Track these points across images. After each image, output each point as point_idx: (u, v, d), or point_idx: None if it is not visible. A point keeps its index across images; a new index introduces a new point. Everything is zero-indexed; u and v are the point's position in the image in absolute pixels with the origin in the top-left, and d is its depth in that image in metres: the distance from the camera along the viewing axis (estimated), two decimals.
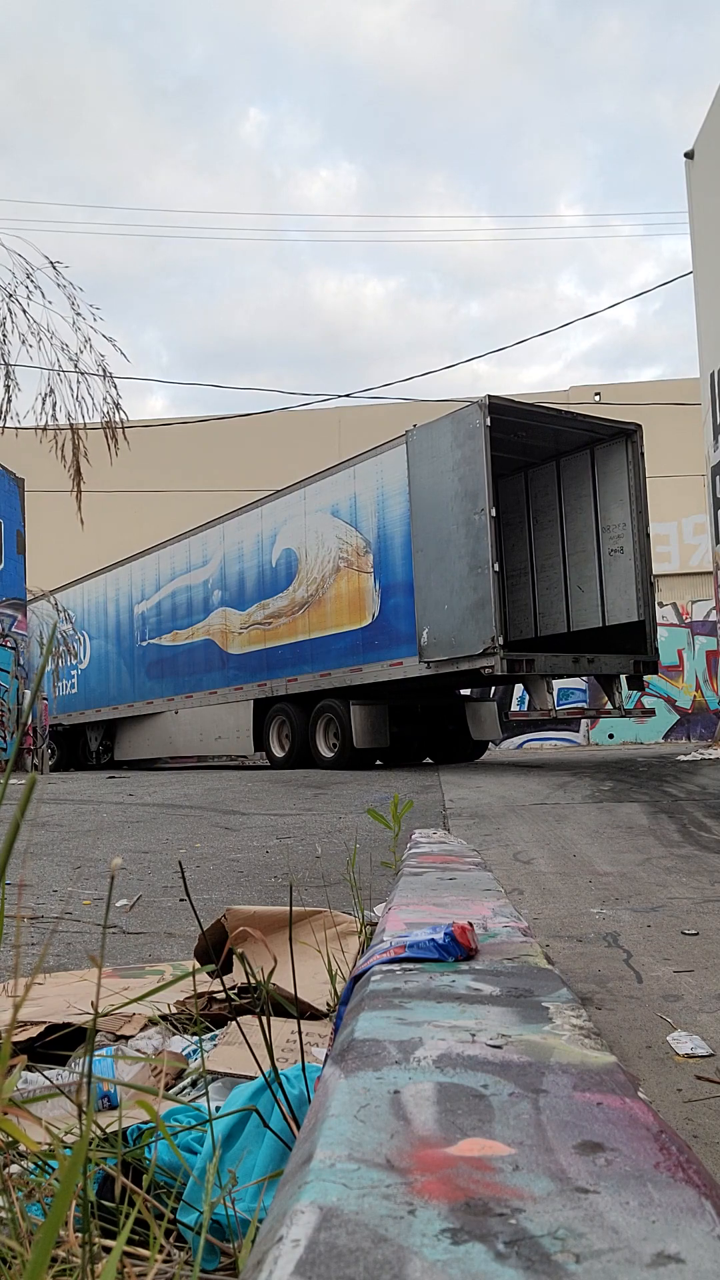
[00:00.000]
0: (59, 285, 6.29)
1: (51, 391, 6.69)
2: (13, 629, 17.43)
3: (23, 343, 6.43)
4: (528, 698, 21.76)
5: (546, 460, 13.17)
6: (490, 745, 15.08)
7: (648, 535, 12.06)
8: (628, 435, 12.06)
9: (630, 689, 12.29)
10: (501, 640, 10.27)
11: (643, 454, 12.02)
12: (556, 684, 18.71)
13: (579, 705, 22.40)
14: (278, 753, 13.82)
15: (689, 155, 13.26)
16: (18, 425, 6.90)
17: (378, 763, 13.24)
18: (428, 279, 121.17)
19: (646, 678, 12.16)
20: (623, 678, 11.88)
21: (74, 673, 19.39)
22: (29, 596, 18.54)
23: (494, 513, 10.42)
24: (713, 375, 12.81)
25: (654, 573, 12.33)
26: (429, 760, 14.22)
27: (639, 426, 12.13)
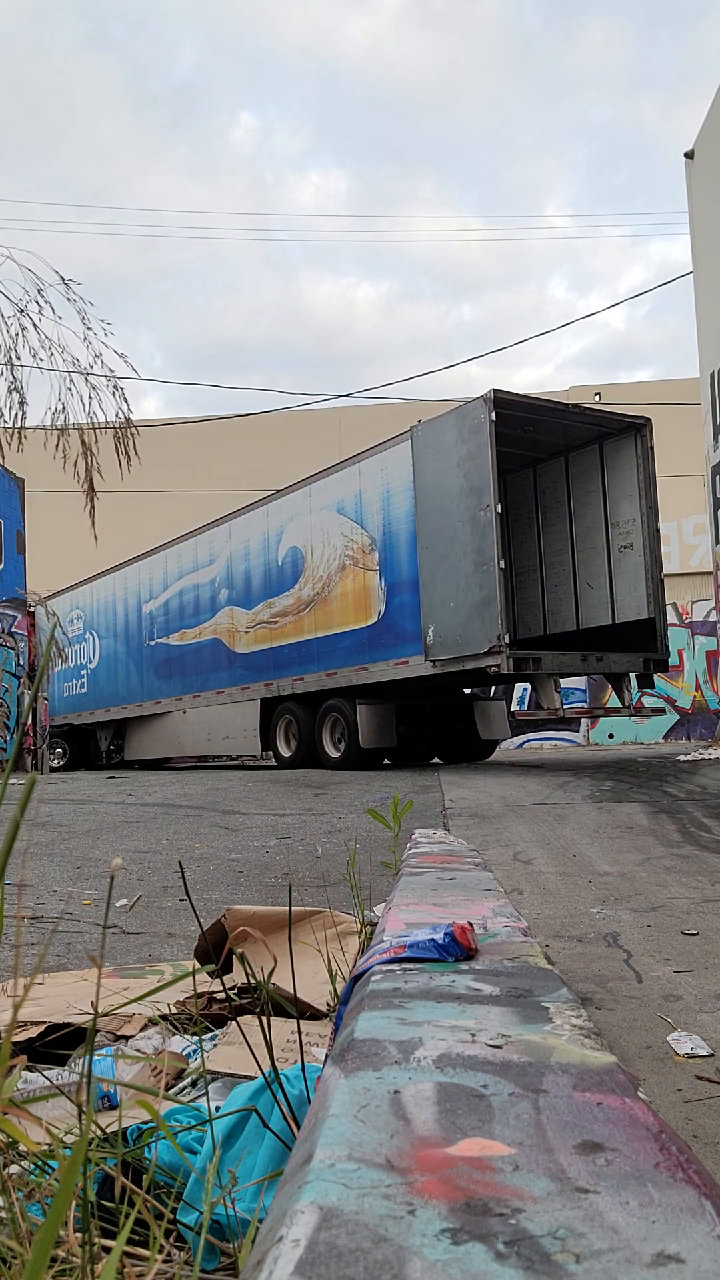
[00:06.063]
0: (69, 300, 6.30)
1: (64, 408, 6.71)
2: (13, 629, 17.43)
3: (34, 358, 6.44)
4: (528, 697, 21.81)
5: (555, 455, 13.03)
6: (504, 743, 14.96)
7: (658, 531, 11.88)
8: (637, 429, 11.90)
9: (641, 687, 12.17)
10: (508, 639, 10.15)
11: (652, 448, 11.85)
12: None
13: (579, 705, 22.39)
14: (284, 752, 13.75)
15: (689, 155, 13.25)
16: (29, 426, 6.92)
17: (385, 762, 13.17)
18: (419, 282, 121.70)
19: (656, 675, 12.07)
20: (633, 676, 11.77)
21: (84, 672, 19.27)
22: (30, 598, 18.52)
23: (499, 509, 10.28)
24: (713, 375, 12.80)
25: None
26: (437, 760, 14.14)
27: (648, 420, 11.95)
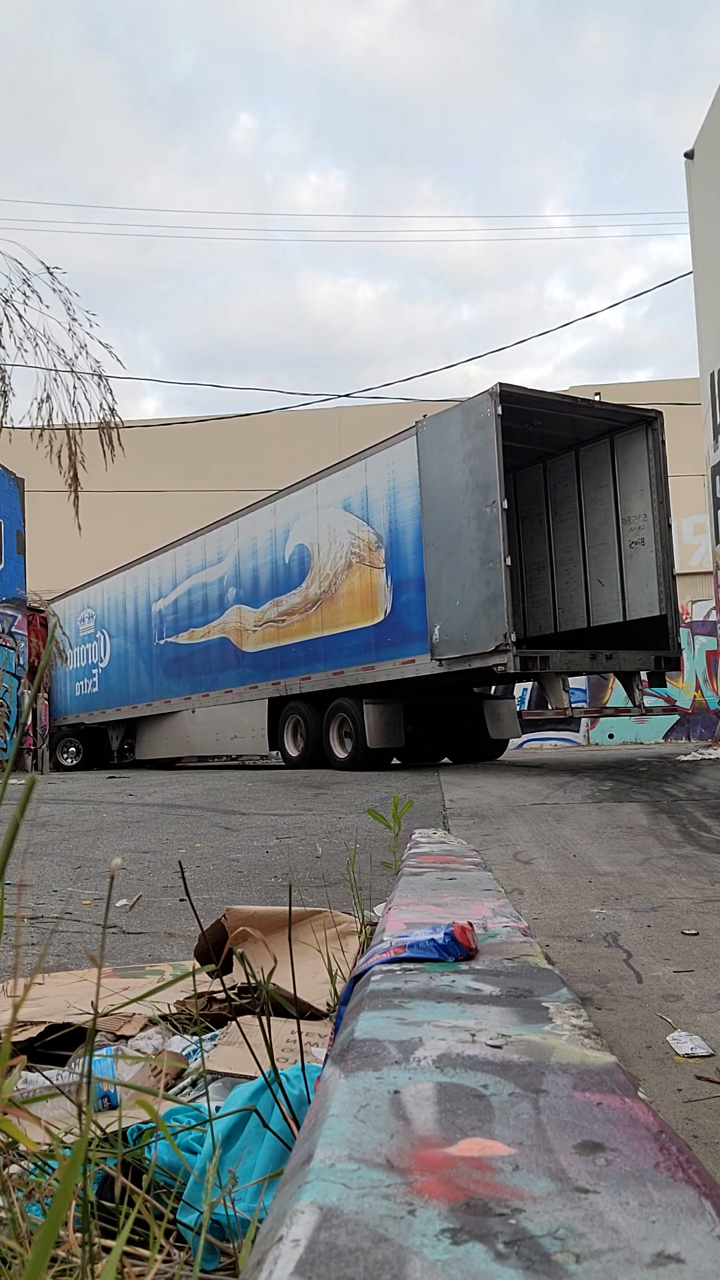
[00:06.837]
0: (55, 290, 6.29)
1: (48, 397, 6.69)
2: (13, 629, 17.44)
3: (19, 348, 6.43)
4: (528, 696, 21.77)
5: (565, 450, 12.86)
6: (510, 744, 14.78)
7: (669, 526, 11.70)
8: (648, 423, 11.73)
9: (652, 685, 11.99)
10: (514, 637, 9.97)
11: (663, 442, 11.66)
12: None
13: (579, 704, 22.38)
14: (292, 752, 13.62)
15: (689, 155, 13.25)
16: (12, 426, 6.91)
17: (395, 762, 13.00)
18: (418, 282, 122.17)
19: (669, 674, 11.84)
20: (643, 674, 11.61)
21: (95, 671, 19.18)
22: (32, 598, 18.53)
23: (505, 505, 10.09)
24: (713, 375, 12.80)
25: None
26: (447, 760, 14.01)
27: (659, 414, 11.76)
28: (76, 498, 7.22)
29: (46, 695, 19.53)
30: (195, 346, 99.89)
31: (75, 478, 7.17)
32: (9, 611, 17.36)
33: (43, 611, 19.46)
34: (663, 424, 11.75)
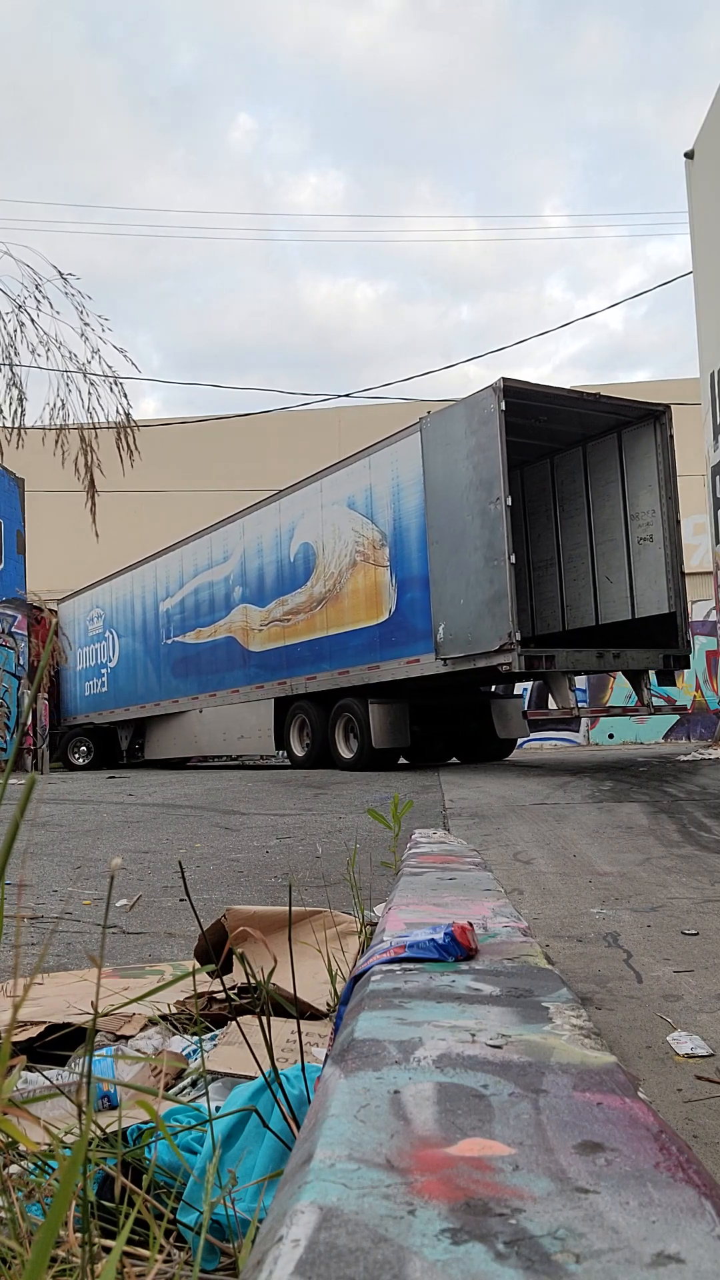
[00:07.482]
0: (67, 294, 6.30)
1: (63, 404, 6.71)
2: (13, 629, 17.45)
3: (33, 354, 6.44)
4: (527, 695, 21.73)
5: (572, 446, 12.73)
6: (516, 743, 14.60)
7: (678, 522, 11.55)
8: (656, 417, 11.61)
9: (661, 684, 11.88)
10: (518, 636, 9.85)
11: (672, 436, 11.52)
12: None
13: (581, 705, 22.35)
14: (298, 752, 13.52)
15: (689, 155, 13.25)
16: (28, 426, 6.93)
17: (401, 761, 12.91)
18: (417, 283, 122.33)
19: (678, 673, 11.71)
20: (651, 673, 11.52)
21: (104, 671, 19.12)
22: (31, 598, 18.54)
23: (509, 502, 9.97)
24: (713, 375, 12.79)
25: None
26: (455, 760, 13.91)
27: (667, 408, 11.62)
28: (94, 503, 7.23)
29: (46, 695, 19.52)
30: (195, 346, 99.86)
31: (93, 484, 7.19)
32: (9, 611, 17.37)
33: (44, 611, 19.46)
34: (671, 418, 11.60)
